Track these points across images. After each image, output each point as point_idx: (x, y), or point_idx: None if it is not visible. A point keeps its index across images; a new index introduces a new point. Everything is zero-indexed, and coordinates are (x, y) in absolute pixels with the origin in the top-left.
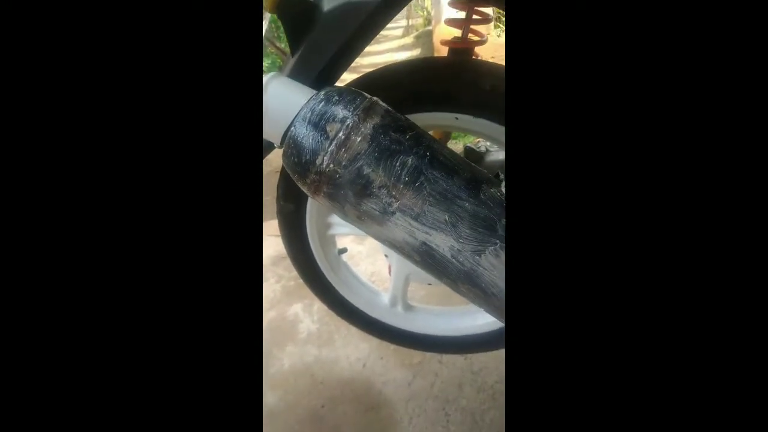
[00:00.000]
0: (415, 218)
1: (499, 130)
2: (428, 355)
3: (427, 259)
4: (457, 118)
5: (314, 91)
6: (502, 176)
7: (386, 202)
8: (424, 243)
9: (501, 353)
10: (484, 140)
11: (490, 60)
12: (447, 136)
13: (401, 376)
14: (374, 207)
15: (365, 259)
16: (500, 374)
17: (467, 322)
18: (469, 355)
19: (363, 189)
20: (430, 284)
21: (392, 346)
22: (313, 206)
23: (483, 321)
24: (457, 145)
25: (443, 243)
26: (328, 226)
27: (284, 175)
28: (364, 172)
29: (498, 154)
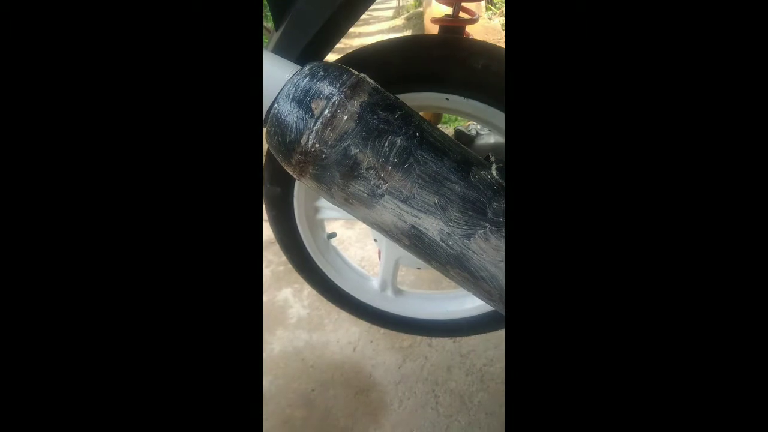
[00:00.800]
0: (404, 201)
1: (491, 112)
2: (418, 338)
3: (416, 242)
4: (447, 99)
5: (298, 67)
6: (492, 159)
7: (374, 184)
8: (414, 226)
9: (489, 336)
10: (475, 123)
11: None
12: (437, 118)
13: (391, 359)
14: (362, 189)
15: (355, 243)
16: (488, 357)
17: (456, 305)
18: (458, 339)
19: (350, 170)
20: (419, 269)
21: (382, 330)
22: (300, 189)
23: (471, 305)
24: (448, 129)
25: (432, 226)
26: (317, 210)
27: (271, 157)
28: (351, 153)
29: (489, 138)
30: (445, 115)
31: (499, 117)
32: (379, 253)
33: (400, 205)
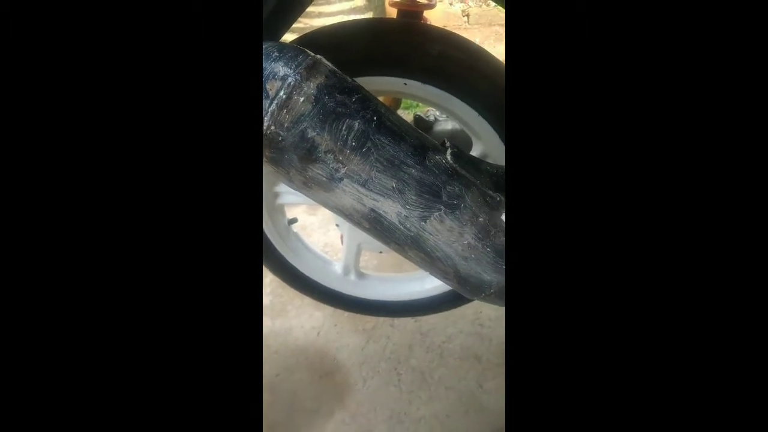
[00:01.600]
0: (363, 185)
1: (447, 98)
2: (381, 319)
3: (375, 225)
4: (405, 84)
5: None
6: (447, 144)
7: (333, 167)
8: (373, 210)
9: (448, 315)
10: (434, 110)
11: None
12: (397, 103)
13: (355, 341)
14: (321, 173)
15: (318, 229)
16: (447, 335)
17: (417, 286)
18: (419, 318)
19: (308, 153)
20: (381, 252)
21: (346, 314)
22: None
23: (431, 285)
24: (408, 116)
25: (391, 209)
26: (276, 195)
27: None
28: (309, 136)
29: (446, 124)
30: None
31: (456, 103)
32: (342, 237)
33: (359, 188)
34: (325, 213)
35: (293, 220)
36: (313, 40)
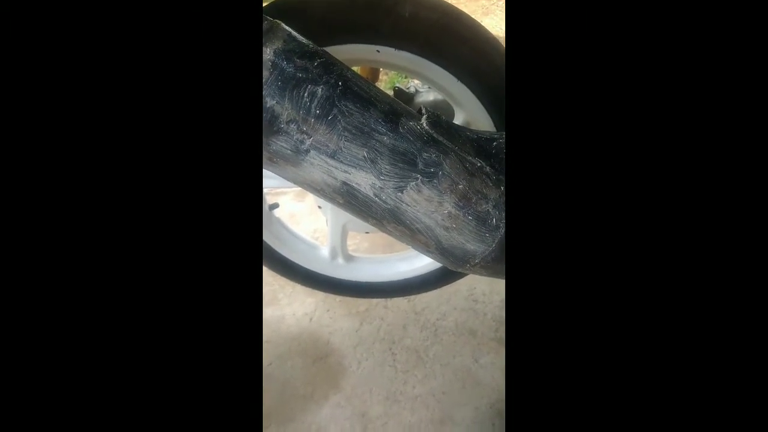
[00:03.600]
0: (332, 156)
1: (424, 64)
2: (374, 301)
3: (350, 200)
4: (378, 51)
5: None
6: (424, 111)
7: (297, 139)
8: (345, 183)
9: (441, 292)
10: (415, 81)
11: None
12: (375, 74)
13: (348, 324)
14: (285, 145)
15: (306, 216)
16: (441, 312)
17: (407, 266)
18: (411, 297)
19: (269, 125)
20: (368, 232)
21: (338, 298)
22: None
23: (421, 263)
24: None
25: (364, 181)
26: None
27: None
28: (268, 105)
29: (428, 95)
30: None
31: (434, 70)
32: (327, 220)
33: (328, 160)
34: (312, 199)
35: (274, 206)
36: (277, 7)
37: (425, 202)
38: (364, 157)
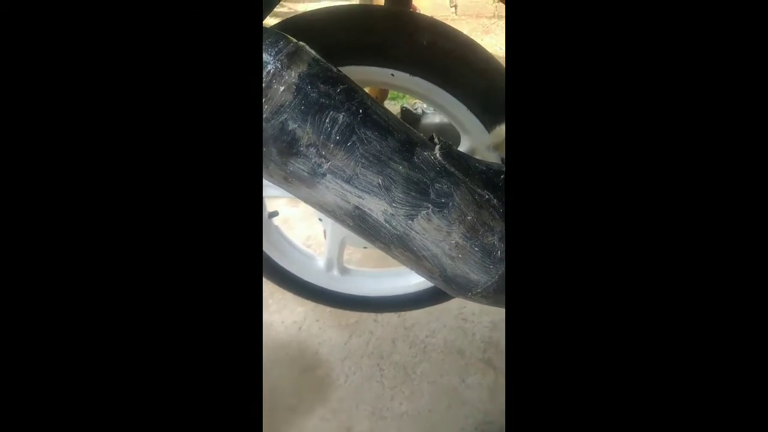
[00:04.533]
0: (348, 181)
1: (436, 91)
2: (364, 315)
3: (360, 223)
4: (393, 75)
5: None
6: (436, 140)
7: (315, 162)
8: (357, 207)
9: (432, 310)
10: (421, 102)
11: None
12: (384, 95)
13: (337, 336)
14: (302, 168)
15: (300, 222)
16: (431, 329)
17: (401, 282)
18: (402, 313)
19: (289, 147)
20: (365, 248)
21: (329, 309)
22: None
23: (416, 281)
24: (395, 108)
25: (376, 207)
26: None
27: None
28: (289, 128)
29: (434, 117)
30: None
31: (445, 97)
32: (325, 232)
33: (344, 185)
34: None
35: (274, 213)
36: (297, 26)
37: (434, 231)
38: (379, 184)
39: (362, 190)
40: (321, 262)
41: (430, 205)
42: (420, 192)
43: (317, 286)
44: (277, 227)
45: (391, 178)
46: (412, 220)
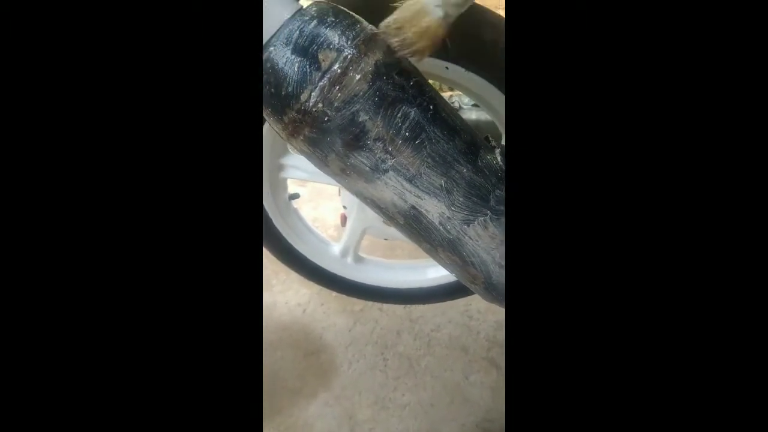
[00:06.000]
0: (410, 180)
1: (489, 90)
2: (369, 303)
3: (412, 223)
4: (447, 68)
5: (299, 4)
6: (492, 141)
7: (380, 158)
8: (414, 207)
9: (437, 304)
10: (460, 95)
11: (494, 10)
12: None
13: (342, 322)
14: (365, 162)
15: (307, 203)
16: (436, 323)
17: (418, 275)
18: (408, 305)
19: (355, 140)
20: (386, 239)
21: (334, 294)
22: (265, 142)
23: (433, 276)
24: None
25: (434, 209)
26: (281, 168)
27: None
28: (360, 120)
29: (471, 113)
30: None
31: (496, 96)
32: (343, 218)
33: (405, 183)
34: (314, 186)
35: (295, 196)
36: (348, 5)
37: (488, 239)
38: (441, 186)
39: (423, 191)
40: (336, 248)
41: (488, 212)
42: (481, 198)
43: (327, 270)
44: (295, 209)
45: (454, 180)
46: (468, 226)
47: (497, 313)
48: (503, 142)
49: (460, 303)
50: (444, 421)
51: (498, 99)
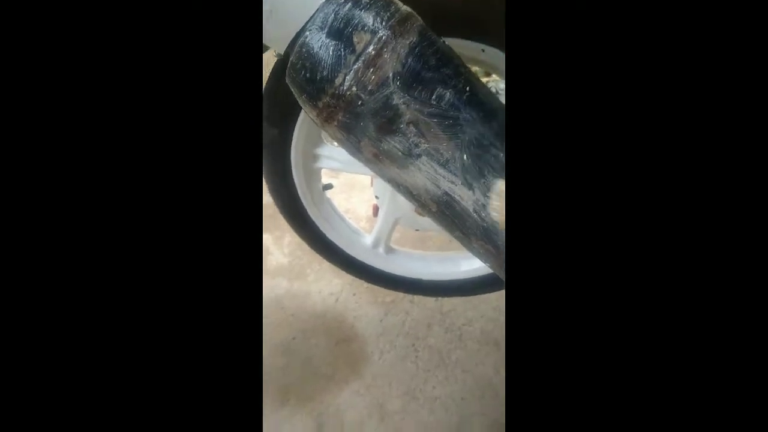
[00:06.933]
0: (443, 165)
1: None
2: (400, 294)
3: (445, 210)
4: (483, 51)
5: None
6: None
7: (413, 142)
8: (447, 193)
9: (469, 297)
10: (496, 81)
11: None
12: None
13: (373, 312)
14: (398, 146)
15: (339, 194)
16: (467, 317)
17: (450, 267)
18: (439, 298)
19: (388, 123)
20: (417, 230)
21: (366, 284)
22: (300, 133)
23: (467, 267)
24: None
25: (468, 195)
26: (316, 157)
27: (270, 92)
28: (393, 103)
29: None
30: None
31: None
32: (375, 209)
33: (438, 168)
34: (346, 177)
35: (328, 186)
36: None
37: None
38: (476, 171)
39: (456, 176)
40: (368, 239)
41: None
42: None
43: (359, 260)
44: (329, 200)
45: (490, 165)
46: None
47: None
48: None
49: (492, 297)
50: (475, 415)
51: None
